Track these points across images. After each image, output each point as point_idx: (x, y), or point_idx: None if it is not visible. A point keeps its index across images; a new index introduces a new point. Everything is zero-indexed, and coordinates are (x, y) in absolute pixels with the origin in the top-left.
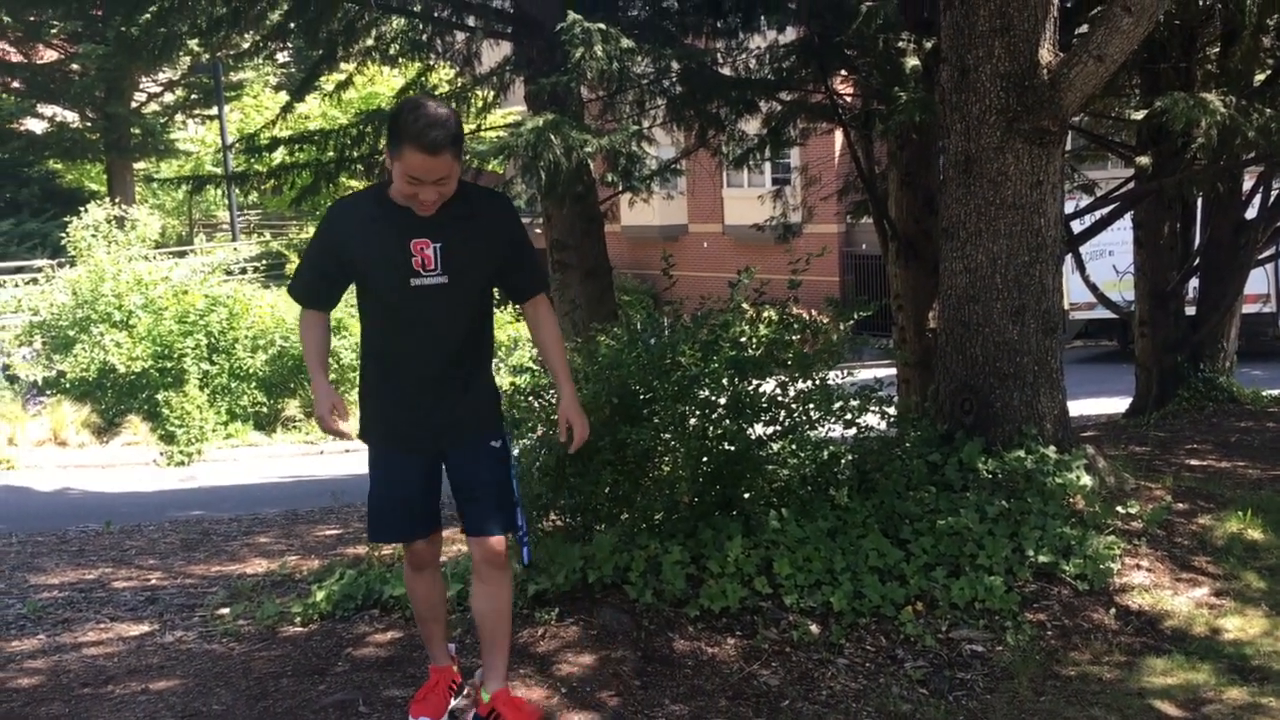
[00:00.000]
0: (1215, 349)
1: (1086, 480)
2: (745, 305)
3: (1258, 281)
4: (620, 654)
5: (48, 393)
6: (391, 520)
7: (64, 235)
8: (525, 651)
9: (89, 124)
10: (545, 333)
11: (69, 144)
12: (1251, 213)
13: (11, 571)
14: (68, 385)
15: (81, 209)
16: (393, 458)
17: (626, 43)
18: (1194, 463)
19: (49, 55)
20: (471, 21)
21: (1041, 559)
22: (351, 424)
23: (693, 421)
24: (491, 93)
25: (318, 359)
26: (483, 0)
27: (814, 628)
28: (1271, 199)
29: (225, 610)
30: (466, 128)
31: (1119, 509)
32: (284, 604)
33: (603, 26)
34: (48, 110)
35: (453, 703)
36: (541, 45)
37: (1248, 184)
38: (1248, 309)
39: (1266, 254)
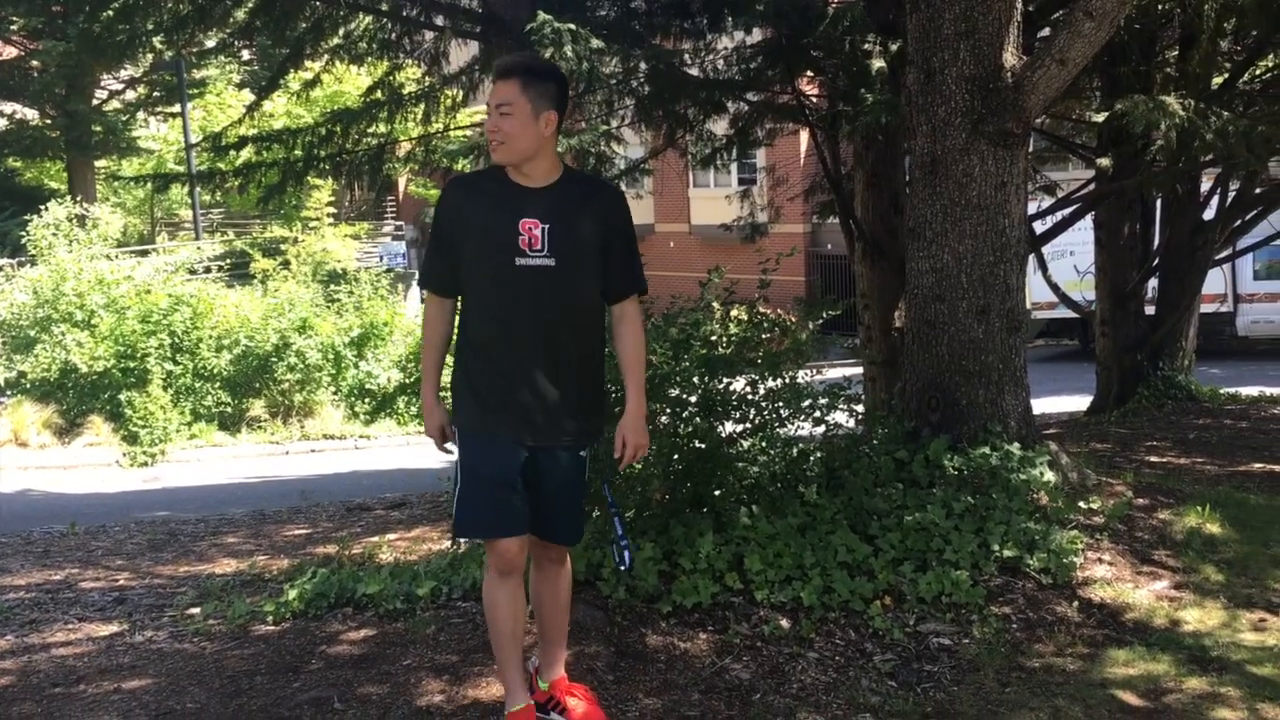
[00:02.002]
0: (1174, 348)
1: (1050, 476)
2: (715, 304)
3: (1216, 281)
4: (594, 649)
5: (8, 393)
6: (481, 510)
7: (24, 234)
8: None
9: (49, 121)
10: (627, 338)
11: (29, 142)
12: (1209, 214)
13: None
14: (28, 385)
15: (42, 207)
16: (489, 442)
17: (596, 43)
18: (1154, 459)
19: (8, 52)
20: (440, 21)
21: (1006, 553)
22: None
23: (664, 419)
24: (460, 92)
25: (435, 364)
26: (451, 0)
27: (784, 622)
28: (1228, 201)
29: (195, 610)
30: (434, 127)
31: (1081, 504)
32: (255, 603)
33: (572, 27)
34: (7, 107)
35: None
36: (510, 45)
37: (1205, 185)
38: (1206, 308)
39: (1224, 255)
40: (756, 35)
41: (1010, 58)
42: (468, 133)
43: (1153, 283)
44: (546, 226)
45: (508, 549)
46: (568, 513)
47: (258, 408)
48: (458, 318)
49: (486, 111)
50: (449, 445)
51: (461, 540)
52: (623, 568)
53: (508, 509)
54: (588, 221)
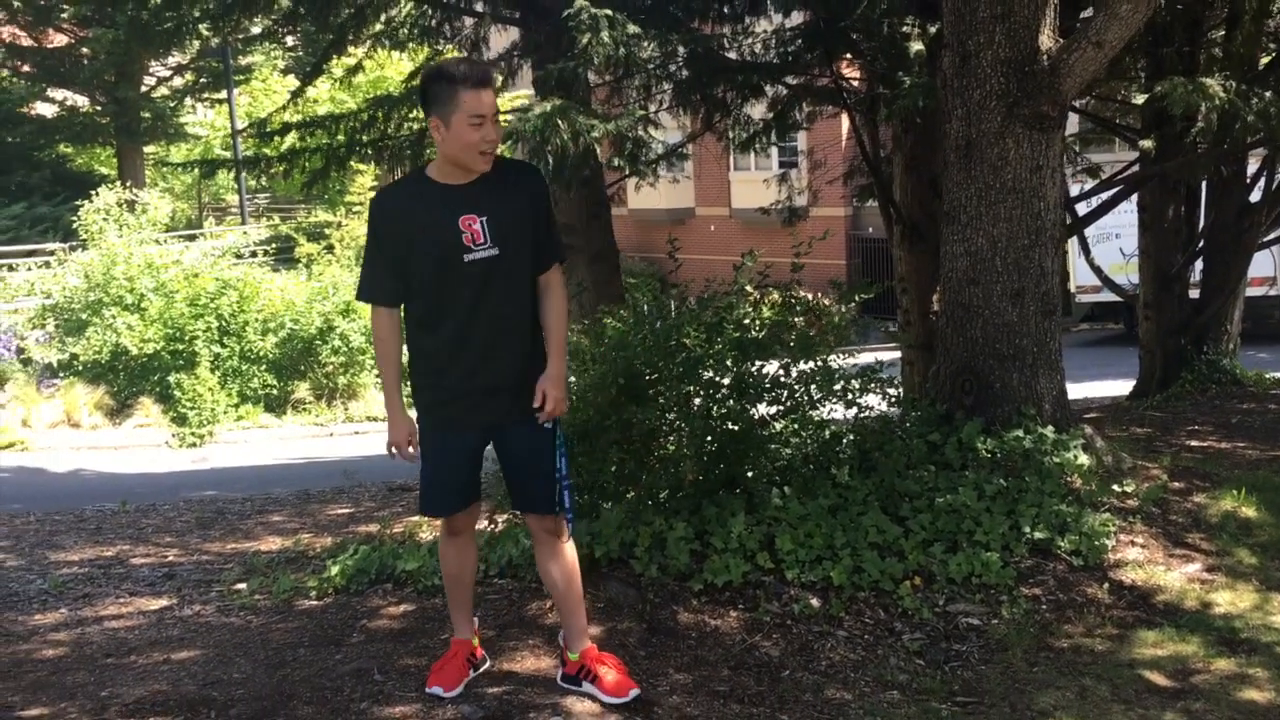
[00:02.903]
0: (1219, 332)
1: (1083, 459)
2: (749, 288)
3: (1264, 264)
4: (626, 625)
5: (61, 375)
6: (442, 495)
7: (75, 219)
8: (534, 623)
9: (99, 108)
10: (551, 303)
11: (79, 128)
12: (1256, 196)
13: (32, 549)
14: (80, 367)
15: (92, 193)
16: (446, 439)
17: (633, 28)
18: (1194, 443)
19: (59, 39)
20: (480, 7)
21: (1038, 535)
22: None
23: (697, 401)
24: (499, 77)
25: (395, 373)
26: None
27: (814, 601)
28: (1275, 182)
29: (242, 585)
30: None
31: (1115, 487)
32: (299, 579)
33: (609, 12)
34: (58, 94)
35: (470, 674)
36: (549, 30)
37: (1252, 167)
38: (1253, 292)
39: (1271, 237)
40: (795, 18)
41: (1046, 40)
42: (508, 118)
43: (1198, 266)
44: (484, 218)
45: (454, 519)
46: (538, 483)
47: (302, 390)
48: (407, 320)
49: (475, 122)
50: (410, 450)
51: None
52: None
53: (457, 493)
54: (518, 205)
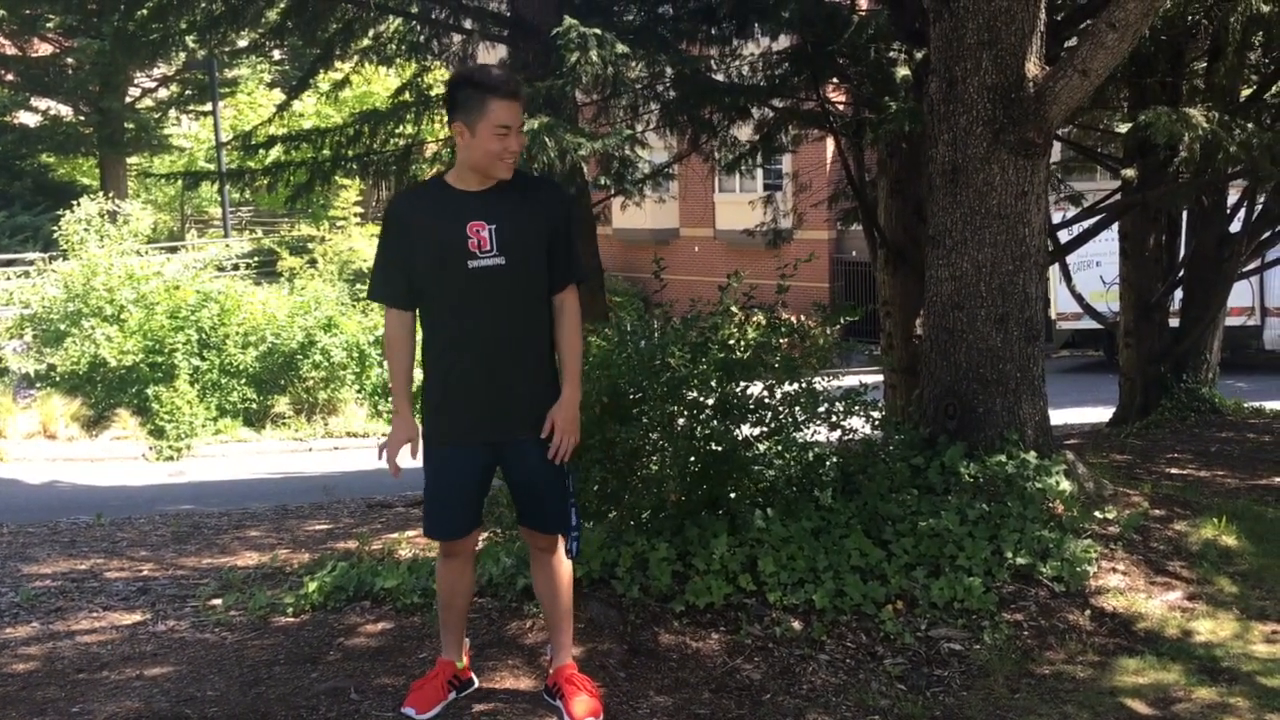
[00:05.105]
0: (1198, 360)
1: (1066, 485)
2: (734, 309)
3: (1243, 295)
4: (606, 646)
5: (38, 385)
6: (444, 514)
7: (56, 229)
8: (514, 643)
9: (82, 118)
10: (565, 325)
11: (62, 138)
12: (1236, 226)
13: (4, 561)
14: (58, 378)
15: (74, 203)
16: (453, 455)
17: (621, 48)
18: (1174, 471)
19: (44, 49)
20: (468, 24)
21: (1020, 561)
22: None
23: (681, 421)
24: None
25: (403, 376)
26: (479, 3)
27: (796, 624)
28: (1255, 213)
29: (217, 601)
30: None
31: (1097, 514)
32: (275, 595)
33: (598, 31)
34: (41, 104)
35: (450, 697)
36: (537, 49)
37: (1233, 197)
38: (1232, 321)
39: (1250, 267)
40: (783, 42)
41: (1033, 68)
42: None
43: (1178, 294)
44: (493, 226)
45: (453, 543)
46: (547, 502)
47: (282, 404)
48: (422, 333)
49: (500, 131)
50: (410, 453)
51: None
52: (570, 557)
53: (461, 517)
54: (529, 218)
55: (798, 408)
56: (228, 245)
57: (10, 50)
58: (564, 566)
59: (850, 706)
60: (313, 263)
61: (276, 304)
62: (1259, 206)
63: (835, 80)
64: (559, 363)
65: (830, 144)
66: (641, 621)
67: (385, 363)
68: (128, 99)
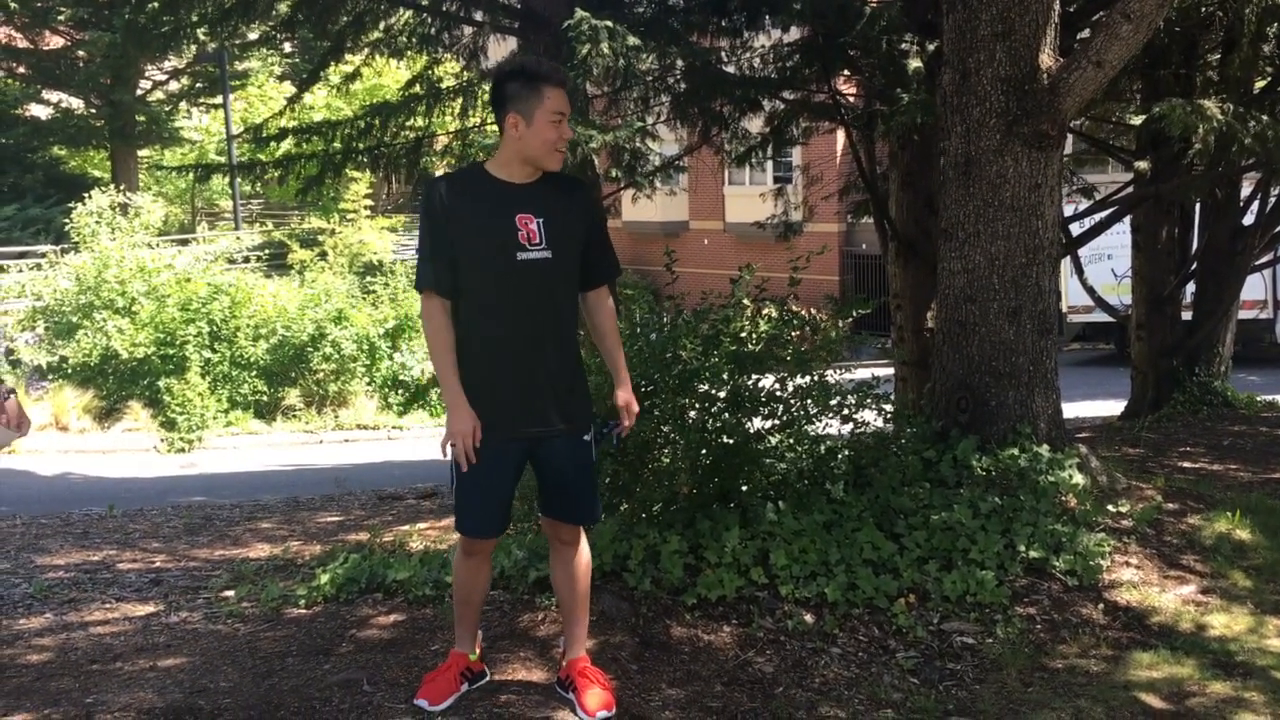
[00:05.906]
0: (1211, 354)
1: (1078, 479)
2: (746, 301)
3: (1256, 288)
4: (619, 639)
5: (50, 378)
6: (484, 511)
7: (68, 221)
8: (526, 635)
9: (94, 111)
10: (605, 320)
11: (73, 131)
12: (1249, 219)
13: (17, 552)
14: (70, 370)
15: (85, 195)
16: (491, 452)
17: (632, 40)
18: (1186, 465)
19: (55, 41)
20: (479, 16)
21: (1032, 554)
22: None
23: (692, 414)
24: None
25: (453, 365)
26: None
27: (808, 617)
28: (1269, 205)
29: (229, 592)
30: (471, 122)
31: (1110, 507)
32: (288, 587)
33: (609, 23)
34: (53, 96)
35: (463, 689)
36: (548, 41)
37: (1246, 190)
38: (1245, 315)
39: (1263, 260)
40: (794, 34)
41: (1046, 59)
42: None
43: (1190, 288)
44: (541, 220)
45: (480, 541)
46: (578, 494)
47: (293, 397)
48: (459, 321)
49: (556, 119)
50: (475, 443)
51: None
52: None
53: (493, 517)
54: (573, 215)
55: (809, 401)
56: (238, 238)
57: (22, 43)
58: (584, 560)
59: (862, 700)
60: (323, 255)
61: (287, 296)
62: (1273, 199)
63: (847, 72)
64: (607, 354)
65: (841, 136)
66: (653, 614)
67: (395, 355)
68: (139, 92)
